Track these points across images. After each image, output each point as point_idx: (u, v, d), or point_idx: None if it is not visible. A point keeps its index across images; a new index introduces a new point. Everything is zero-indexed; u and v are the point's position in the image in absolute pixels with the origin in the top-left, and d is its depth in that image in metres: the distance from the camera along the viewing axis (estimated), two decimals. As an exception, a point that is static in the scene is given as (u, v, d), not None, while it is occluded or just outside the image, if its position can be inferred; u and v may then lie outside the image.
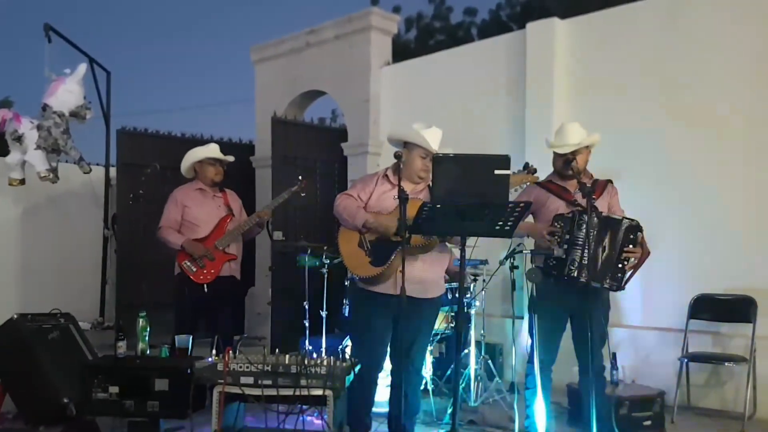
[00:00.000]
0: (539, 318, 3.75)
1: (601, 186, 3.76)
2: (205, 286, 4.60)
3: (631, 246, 3.48)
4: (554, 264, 3.57)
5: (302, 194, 4.96)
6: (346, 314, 5.06)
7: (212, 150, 4.83)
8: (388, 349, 3.66)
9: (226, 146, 7.96)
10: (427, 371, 4.70)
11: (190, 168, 4.83)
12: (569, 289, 3.53)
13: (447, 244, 3.61)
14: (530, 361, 3.79)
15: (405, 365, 3.49)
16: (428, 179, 3.53)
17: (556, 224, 3.58)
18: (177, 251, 4.64)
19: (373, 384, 3.70)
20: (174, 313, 4.68)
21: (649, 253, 3.58)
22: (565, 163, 3.68)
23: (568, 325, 3.75)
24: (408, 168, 3.55)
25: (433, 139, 3.53)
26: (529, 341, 3.83)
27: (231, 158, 4.91)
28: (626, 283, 3.55)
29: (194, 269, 4.60)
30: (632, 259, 3.52)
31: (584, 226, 3.47)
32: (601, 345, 3.65)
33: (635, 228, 3.51)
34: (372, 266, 3.45)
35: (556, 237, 3.55)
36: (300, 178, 4.96)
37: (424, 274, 3.48)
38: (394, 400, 3.60)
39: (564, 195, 3.70)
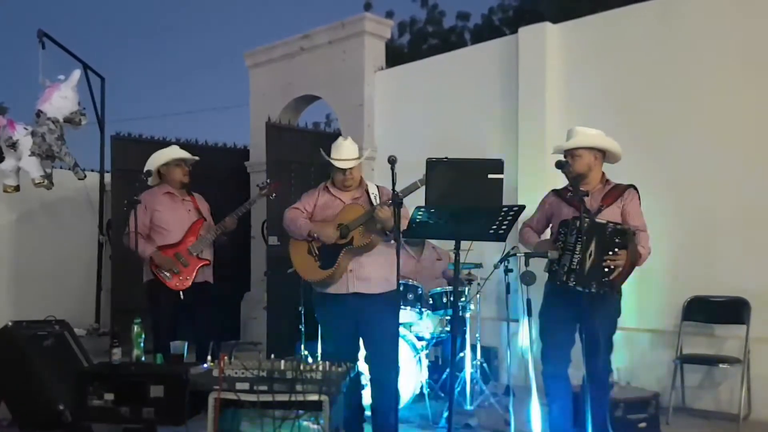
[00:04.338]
0: (544, 322, 3.76)
1: (617, 193, 3.69)
2: (181, 293, 4.57)
3: (616, 249, 3.42)
4: (555, 269, 3.57)
5: (272, 197, 4.94)
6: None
7: (176, 150, 4.75)
8: (360, 345, 3.81)
9: (220, 151, 8.08)
10: (423, 375, 4.70)
11: (155, 175, 4.73)
12: (575, 293, 3.48)
13: (393, 241, 3.67)
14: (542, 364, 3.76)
15: (379, 358, 3.67)
16: (357, 186, 3.85)
17: (560, 231, 3.60)
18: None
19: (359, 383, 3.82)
20: (151, 320, 4.58)
21: (641, 254, 3.54)
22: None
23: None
24: (335, 182, 3.87)
25: (343, 152, 3.76)
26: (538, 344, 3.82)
27: (196, 158, 4.86)
28: (619, 285, 3.54)
29: (170, 276, 4.57)
30: (616, 265, 3.43)
31: (574, 231, 3.48)
32: (608, 351, 3.63)
33: (620, 232, 3.44)
34: (321, 270, 3.71)
35: (559, 243, 3.56)
36: (267, 180, 4.96)
37: (371, 272, 3.71)
38: (374, 393, 3.74)
39: (573, 202, 3.66)
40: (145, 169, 4.73)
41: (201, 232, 4.70)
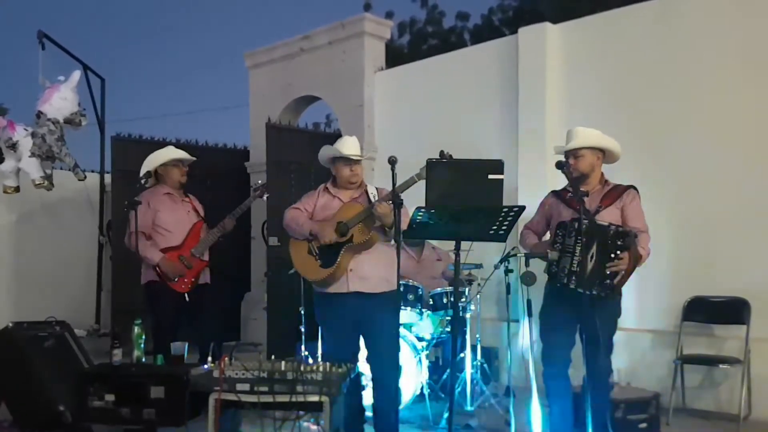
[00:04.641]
0: (545, 323, 3.76)
1: (616, 194, 3.68)
2: (186, 295, 4.58)
3: (618, 252, 3.40)
4: (555, 271, 3.56)
5: (264, 198, 4.97)
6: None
7: (173, 151, 4.76)
8: (360, 345, 3.81)
9: (221, 152, 8.08)
10: (423, 376, 4.70)
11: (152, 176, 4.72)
12: (575, 294, 3.47)
13: (393, 241, 3.67)
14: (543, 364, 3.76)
15: (379, 359, 3.67)
16: (361, 184, 3.86)
17: (558, 232, 3.59)
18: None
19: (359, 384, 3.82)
20: (151, 321, 4.57)
21: (641, 256, 3.54)
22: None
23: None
24: (339, 179, 3.86)
25: (348, 147, 3.80)
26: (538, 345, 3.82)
27: (194, 158, 4.86)
28: (620, 287, 3.54)
29: (175, 279, 4.57)
30: (619, 269, 3.43)
31: (573, 233, 3.47)
32: (608, 351, 3.62)
33: (622, 234, 3.43)
34: (322, 269, 3.70)
35: (557, 245, 3.56)
36: (259, 182, 5.00)
37: (371, 272, 3.69)
38: (375, 393, 3.73)
39: (571, 203, 3.66)
40: (143, 171, 4.72)
41: (201, 233, 4.71)
